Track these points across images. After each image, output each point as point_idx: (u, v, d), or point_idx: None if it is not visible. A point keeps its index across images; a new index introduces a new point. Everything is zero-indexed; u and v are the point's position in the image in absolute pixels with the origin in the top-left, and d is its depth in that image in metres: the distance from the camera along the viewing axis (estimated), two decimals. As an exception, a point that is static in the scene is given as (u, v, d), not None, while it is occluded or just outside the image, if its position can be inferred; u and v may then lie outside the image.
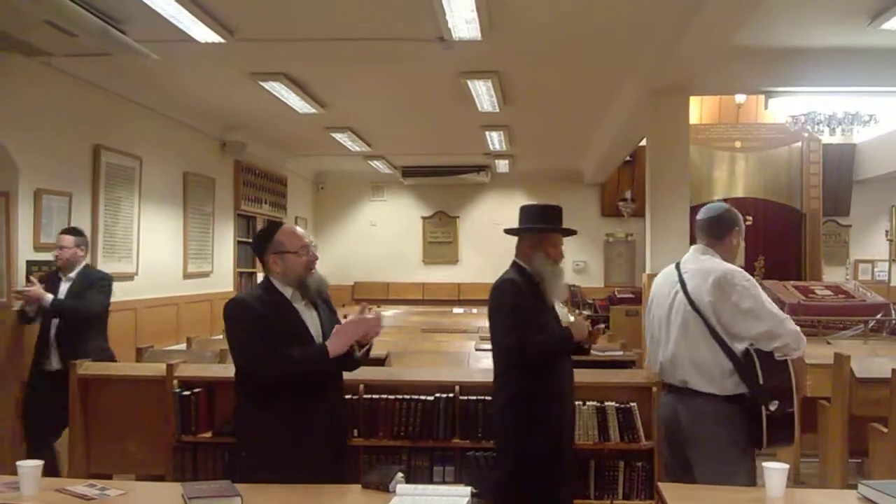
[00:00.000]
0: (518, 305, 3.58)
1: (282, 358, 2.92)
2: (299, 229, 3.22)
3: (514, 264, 3.83)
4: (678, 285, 3.43)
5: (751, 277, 3.37)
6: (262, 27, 5.54)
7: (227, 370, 4.72)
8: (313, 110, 7.83)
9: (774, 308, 3.29)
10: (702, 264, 3.42)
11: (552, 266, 3.72)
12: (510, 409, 3.58)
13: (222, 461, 4.21)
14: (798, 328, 3.29)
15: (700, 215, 3.59)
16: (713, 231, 3.52)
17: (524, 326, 3.51)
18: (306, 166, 12.82)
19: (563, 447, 3.59)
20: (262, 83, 6.85)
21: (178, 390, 4.31)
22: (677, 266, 3.54)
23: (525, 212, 4.01)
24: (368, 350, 3.16)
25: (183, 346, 6.45)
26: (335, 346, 2.97)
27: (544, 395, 3.55)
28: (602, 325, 3.98)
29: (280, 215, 11.53)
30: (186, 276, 8.33)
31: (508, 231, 4.01)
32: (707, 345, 3.26)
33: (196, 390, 4.31)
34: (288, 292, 3.08)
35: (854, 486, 2.69)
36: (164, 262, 7.84)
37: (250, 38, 5.66)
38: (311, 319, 3.10)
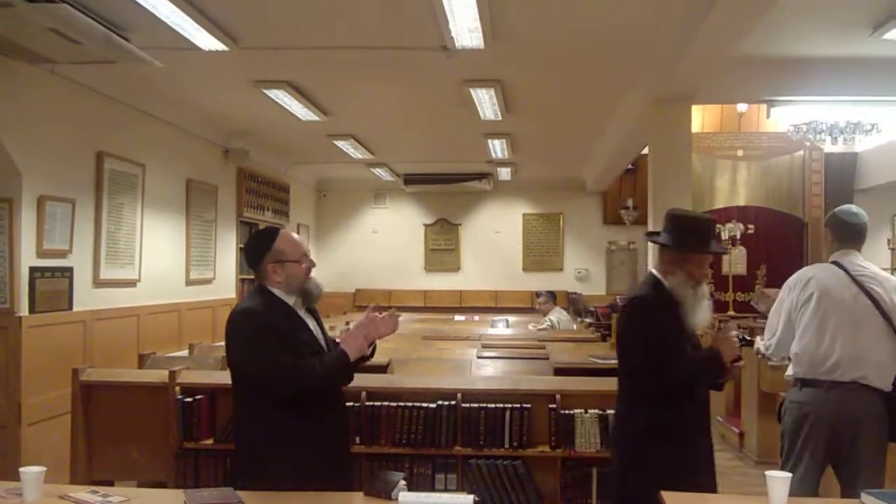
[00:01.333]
0: (655, 324, 3.11)
1: (305, 369, 2.84)
2: (297, 236, 3.15)
3: (651, 277, 3.27)
4: (855, 287, 3.71)
5: None
6: (265, 36, 5.56)
7: (229, 377, 4.73)
8: (316, 118, 7.85)
9: None
10: (871, 269, 3.80)
11: (694, 287, 3.18)
12: (631, 446, 3.17)
13: (224, 468, 4.21)
14: None
15: (853, 219, 3.87)
16: (864, 236, 3.87)
17: (662, 347, 3.05)
18: (309, 173, 12.85)
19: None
20: (265, 91, 6.87)
21: (180, 397, 4.32)
22: (839, 265, 3.79)
23: (676, 222, 3.26)
24: (374, 349, 3.12)
25: (185, 353, 6.45)
26: (353, 350, 2.92)
27: (680, 429, 3.13)
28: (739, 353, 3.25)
29: (282, 222, 11.54)
30: (189, 282, 8.34)
31: (651, 239, 3.59)
32: (889, 343, 3.63)
33: (198, 397, 4.32)
34: (291, 300, 3.01)
35: (857, 495, 2.69)
36: (167, 268, 7.85)
37: (254, 47, 5.68)
38: (313, 327, 3.06)
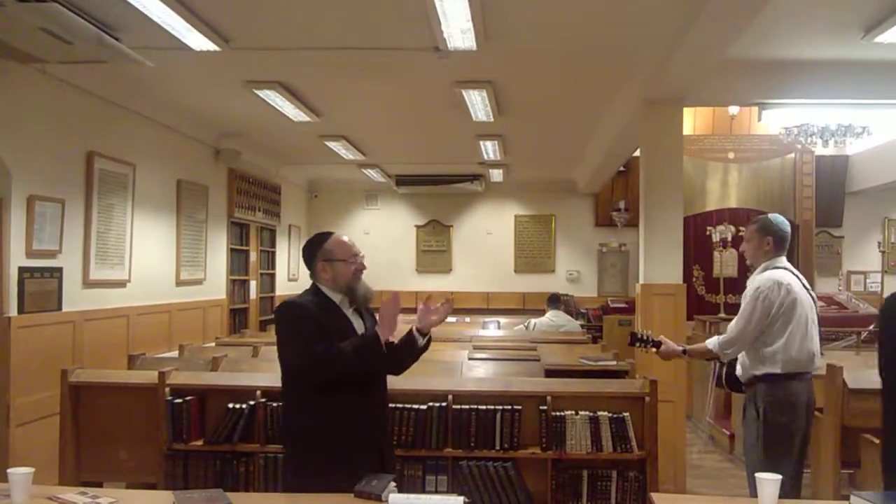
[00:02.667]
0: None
1: (336, 352, 2.99)
2: (348, 239, 3.35)
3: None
4: (807, 291, 4.19)
5: None
6: (257, 36, 5.54)
7: (219, 378, 4.73)
8: (308, 119, 7.83)
9: None
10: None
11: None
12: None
13: (214, 469, 4.21)
14: None
15: (788, 227, 4.25)
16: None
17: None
18: (300, 174, 12.82)
19: None
20: (256, 91, 6.84)
21: (169, 398, 4.31)
22: (792, 272, 4.20)
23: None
24: (430, 339, 3.30)
25: (175, 354, 6.44)
26: (384, 330, 3.05)
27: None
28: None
29: (274, 223, 11.52)
30: (179, 283, 8.31)
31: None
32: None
33: (188, 398, 4.31)
34: (337, 298, 3.21)
35: (846, 497, 2.70)
36: (157, 269, 7.83)
37: (246, 47, 5.66)
38: (359, 326, 3.22)
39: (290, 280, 12.52)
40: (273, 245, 11.73)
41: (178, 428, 4.27)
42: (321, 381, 3.02)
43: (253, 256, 10.79)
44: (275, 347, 6.06)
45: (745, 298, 4.14)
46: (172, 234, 8.20)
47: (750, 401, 4.10)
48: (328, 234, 3.35)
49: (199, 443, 4.29)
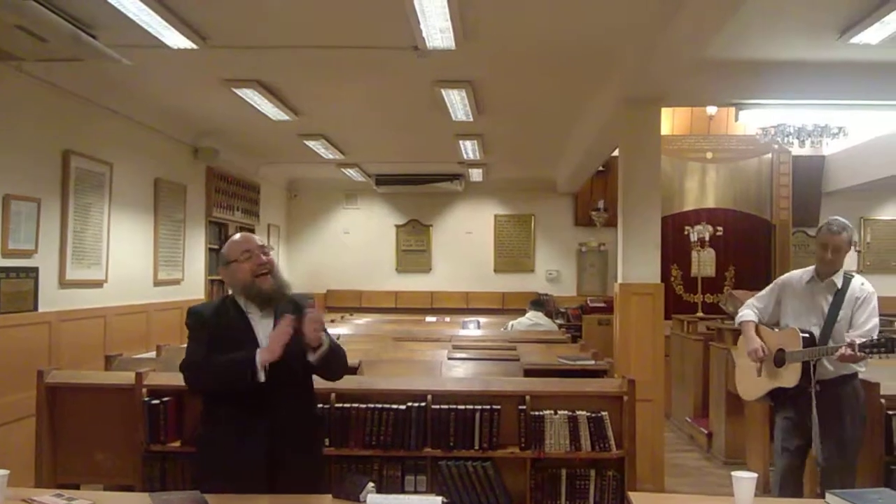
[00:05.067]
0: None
1: (207, 367, 2.93)
2: (243, 235, 3.17)
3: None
4: None
5: (779, 279, 4.63)
6: (235, 34, 5.51)
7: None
8: (286, 117, 7.80)
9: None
10: None
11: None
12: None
13: (191, 471, 4.17)
14: (741, 309, 4.62)
15: None
16: None
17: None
18: (279, 174, 12.77)
19: None
20: (235, 90, 6.81)
21: (147, 399, 4.27)
22: None
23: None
24: (330, 351, 3.01)
25: (153, 355, 6.38)
26: (265, 354, 2.86)
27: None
28: None
29: (252, 223, 11.47)
30: (157, 283, 8.26)
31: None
32: None
33: (165, 399, 4.28)
34: (241, 301, 3.08)
35: (822, 496, 2.72)
36: (134, 269, 7.77)
37: (223, 45, 5.64)
38: (266, 330, 3.02)
39: (269, 280, 12.44)
40: (252, 245, 11.64)
41: (156, 429, 4.24)
42: (200, 391, 3.07)
43: (231, 256, 10.71)
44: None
45: (863, 302, 4.24)
46: (150, 233, 8.14)
47: (846, 399, 4.18)
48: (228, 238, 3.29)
49: (177, 444, 4.25)
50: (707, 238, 10.34)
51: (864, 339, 3.99)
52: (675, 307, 10.50)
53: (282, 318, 2.93)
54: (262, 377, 2.87)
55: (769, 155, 11.60)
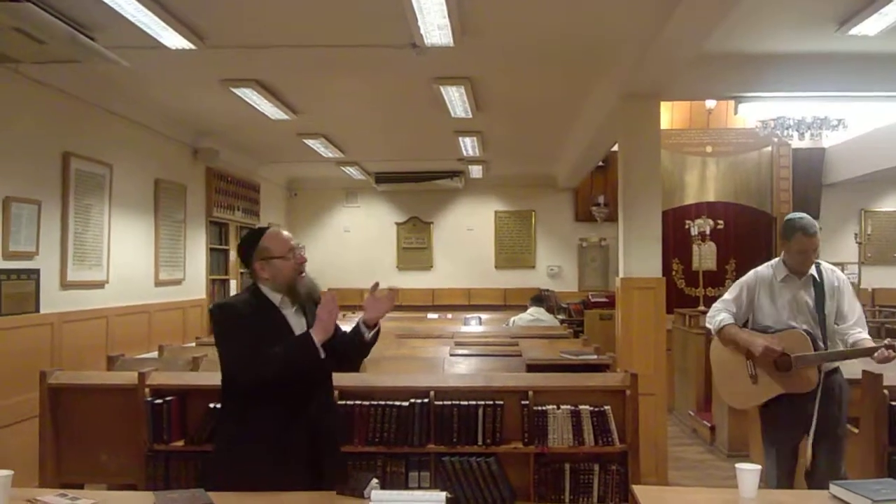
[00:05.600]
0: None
1: (266, 356, 2.85)
2: (284, 232, 3.17)
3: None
4: None
5: (748, 277, 4.38)
6: (233, 34, 5.51)
7: (199, 378, 4.71)
8: (286, 117, 7.80)
9: (723, 297, 4.44)
10: None
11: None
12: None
13: (195, 470, 4.18)
14: (711, 313, 4.38)
15: None
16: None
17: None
18: (279, 173, 12.77)
19: None
20: (233, 90, 6.81)
21: (149, 399, 4.28)
22: None
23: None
24: (378, 331, 3.11)
25: (155, 355, 6.40)
26: (318, 331, 2.90)
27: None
28: None
29: (253, 222, 11.46)
30: (158, 283, 8.26)
31: None
32: None
33: (168, 398, 4.28)
34: (276, 298, 3.05)
35: (826, 487, 2.72)
36: (136, 269, 7.78)
37: (221, 45, 5.63)
38: (300, 326, 3.04)
39: (270, 279, 12.45)
40: (253, 244, 11.64)
41: (159, 429, 4.24)
42: (253, 387, 2.88)
43: (232, 256, 10.73)
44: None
45: (843, 290, 4.21)
46: (151, 234, 8.15)
47: (836, 387, 4.18)
48: (262, 230, 3.14)
49: (181, 443, 4.26)
50: (708, 232, 10.34)
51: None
52: (677, 301, 10.52)
53: (321, 304, 2.97)
54: (322, 354, 2.91)
55: (769, 148, 11.61)
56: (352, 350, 3.12)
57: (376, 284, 3.14)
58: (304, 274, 3.08)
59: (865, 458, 4.20)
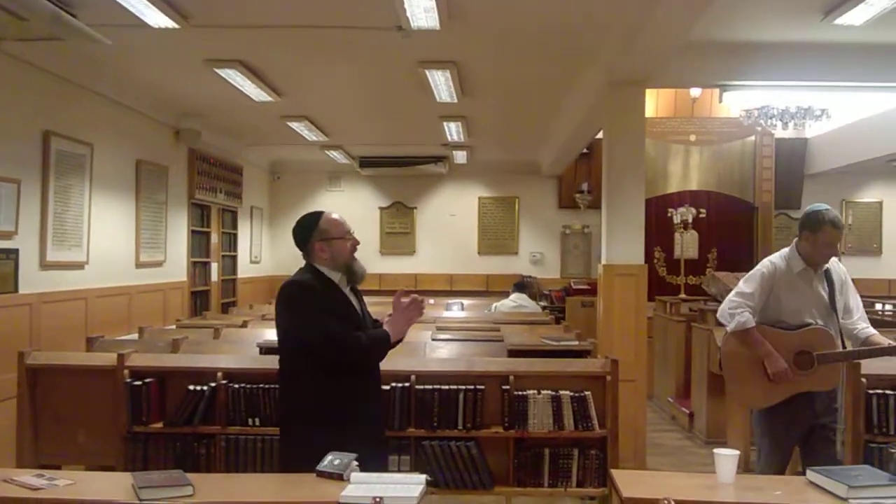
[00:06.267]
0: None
1: (353, 340, 3.10)
2: (339, 216, 3.37)
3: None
4: None
5: (766, 268, 4.10)
6: (217, 13, 5.46)
7: (179, 360, 4.69)
8: (269, 98, 7.75)
9: (740, 288, 4.12)
10: None
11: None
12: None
13: (174, 451, 4.17)
14: (730, 308, 4.07)
15: None
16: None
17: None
18: (262, 155, 12.70)
19: None
20: (217, 70, 6.76)
21: (129, 380, 4.25)
22: None
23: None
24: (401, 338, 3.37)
25: (135, 336, 6.36)
26: (396, 333, 3.20)
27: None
28: None
29: (235, 205, 11.41)
30: (139, 265, 8.21)
31: None
32: None
33: (147, 380, 4.26)
34: (336, 277, 3.23)
35: (802, 473, 2.75)
36: (116, 251, 7.72)
37: (205, 25, 5.59)
38: (356, 304, 3.28)
39: (252, 262, 12.43)
40: (235, 227, 11.61)
41: (138, 410, 4.22)
42: (333, 362, 3.09)
43: (214, 238, 10.69)
44: (236, 329, 6.00)
45: (848, 283, 4.15)
46: (132, 215, 8.09)
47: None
48: (319, 214, 3.34)
49: (159, 425, 4.24)
50: (690, 220, 10.38)
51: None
52: (658, 289, 10.55)
53: (406, 299, 3.29)
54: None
55: (752, 137, 11.64)
56: None
57: (404, 293, 3.38)
58: (355, 258, 3.31)
59: (843, 445, 4.25)
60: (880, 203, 13.28)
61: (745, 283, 4.12)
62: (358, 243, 3.32)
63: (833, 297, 4.03)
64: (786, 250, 4.15)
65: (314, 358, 3.11)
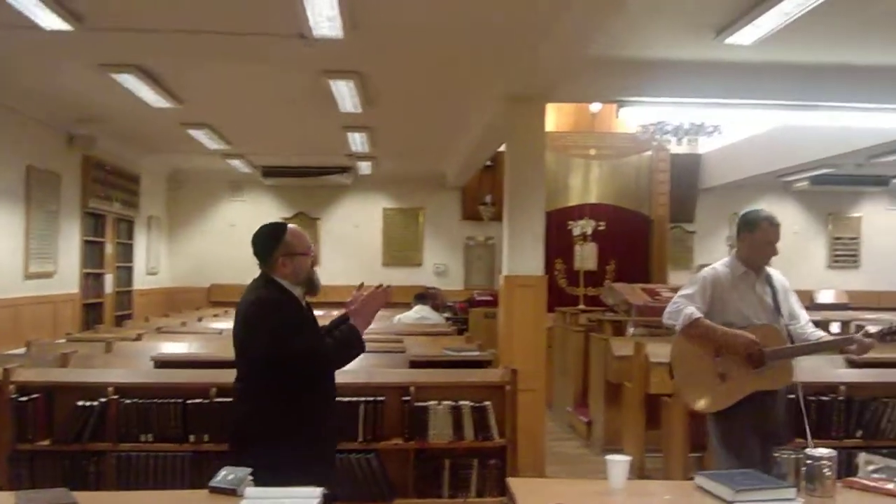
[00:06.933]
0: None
1: (324, 346, 3.09)
2: (301, 230, 3.32)
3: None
4: None
5: (706, 273, 4.03)
6: (113, 16, 5.30)
7: (69, 375, 4.53)
8: (168, 105, 7.55)
9: (680, 292, 4.02)
10: None
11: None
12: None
13: (62, 470, 4.02)
14: (673, 308, 3.97)
15: None
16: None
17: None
18: (161, 163, 12.37)
19: None
20: (112, 75, 6.56)
21: (14, 396, 4.08)
22: None
23: None
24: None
25: (23, 351, 6.10)
26: (361, 324, 3.17)
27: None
28: None
29: (132, 214, 11.10)
30: (28, 276, 7.89)
31: None
32: None
33: (34, 396, 4.09)
34: (296, 291, 3.19)
35: (692, 478, 2.84)
36: (3, 261, 7.40)
37: (100, 28, 5.41)
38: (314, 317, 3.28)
39: (149, 274, 12.10)
40: (131, 237, 11.29)
41: (24, 427, 4.06)
42: (307, 375, 3.07)
43: (109, 249, 10.36)
44: (130, 343, 5.83)
45: (789, 290, 4.07)
46: (21, 224, 7.77)
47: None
48: (283, 226, 3.29)
49: (46, 442, 4.08)
50: (589, 232, 10.62)
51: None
52: (559, 300, 10.74)
53: (373, 297, 3.24)
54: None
55: (649, 152, 11.99)
56: None
57: (362, 285, 3.35)
58: (314, 270, 3.28)
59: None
60: (769, 217, 13.84)
61: (685, 288, 4.05)
62: (316, 258, 3.32)
63: (777, 301, 3.97)
64: (726, 258, 4.11)
65: (289, 373, 3.04)
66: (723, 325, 3.88)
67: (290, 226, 3.30)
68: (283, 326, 3.05)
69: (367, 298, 3.23)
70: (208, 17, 5.34)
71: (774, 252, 3.97)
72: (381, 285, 3.33)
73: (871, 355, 4.09)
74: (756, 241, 3.93)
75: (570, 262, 11.58)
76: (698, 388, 3.92)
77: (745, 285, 3.97)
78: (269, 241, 3.22)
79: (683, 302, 3.94)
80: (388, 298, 3.33)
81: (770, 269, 4.03)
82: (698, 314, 3.86)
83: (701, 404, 3.92)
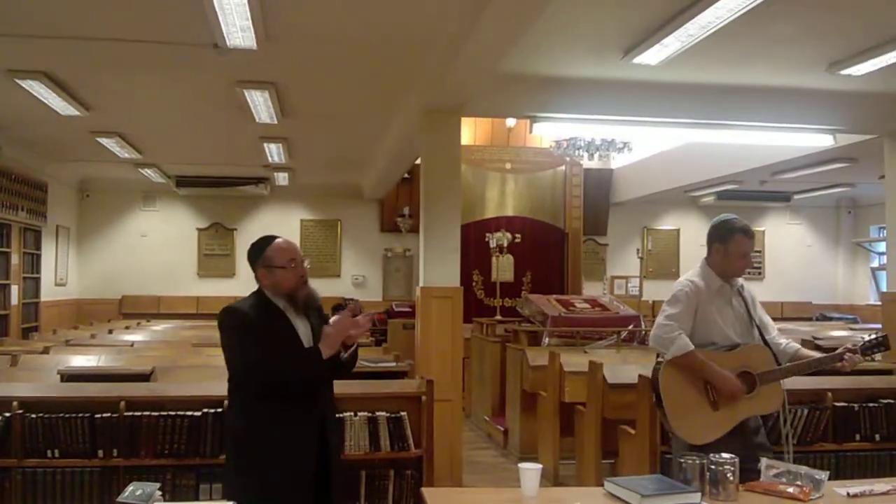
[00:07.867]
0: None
1: (276, 362, 3.04)
2: (288, 242, 3.29)
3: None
4: None
5: (688, 287, 3.77)
6: (19, 21, 5.16)
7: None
8: (77, 113, 7.36)
9: (667, 311, 3.75)
10: None
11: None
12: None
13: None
14: (665, 333, 3.68)
15: None
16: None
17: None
18: (70, 172, 12.02)
19: None
20: (18, 81, 6.36)
21: None
22: None
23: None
24: (355, 351, 3.28)
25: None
26: (326, 347, 3.09)
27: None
28: None
29: (39, 224, 10.75)
30: (-74, 288, 7.57)
31: None
32: None
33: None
34: (280, 303, 3.18)
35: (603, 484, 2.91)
36: None
37: (6, 33, 5.27)
38: (304, 328, 3.20)
39: (57, 285, 11.73)
40: (38, 247, 10.93)
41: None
42: (261, 388, 3.05)
43: (15, 259, 10.01)
44: (36, 356, 5.69)
45: (756, 300, 3.95)
46: (-82, 233, 7.45)
47: None
48: (269, 239, 3.29)
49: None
50: (506, 244, 10.75)
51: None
52: (477, 311, 10.85)
53: (339, 314, 3.18)
54: (345, 355, 3.20)
55: (563, 167, 12.23)
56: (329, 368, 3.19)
57: (350, 301, 3.31)
58: (306, 284, 3.23)
59: (640, 456, 4.53)
60: (678, 230, 14.31)
61: (671, 306, 3.77)
62: (303, 274, 3.22)
63: (750, 313, 3.84)
64: (697, 269, 3.90)
65: (244, 385, 3.10)
66: (708, 344, 3.73)
67: (276, 240, 3.30)
68: (237, 334, 3.09)
69: (342, 323, 3.15)
70: (120, 25, 5.26)
71: (749, 264, 3.90)
72: (354, 303, 3.29)
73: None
74: (729, 252, 3.78)
75: (487, 273, 11.70)
76: (693, 419, 3.67)
77: (723, 300, 3.82)
78: (253, 252, 3.29)
79: (674, 327, 3.69)
80: (367, 327, 3.30)
81: (740, 280, 3.91)
82: (691, 346, 3.64)
83: (698, 436, 3.59)
